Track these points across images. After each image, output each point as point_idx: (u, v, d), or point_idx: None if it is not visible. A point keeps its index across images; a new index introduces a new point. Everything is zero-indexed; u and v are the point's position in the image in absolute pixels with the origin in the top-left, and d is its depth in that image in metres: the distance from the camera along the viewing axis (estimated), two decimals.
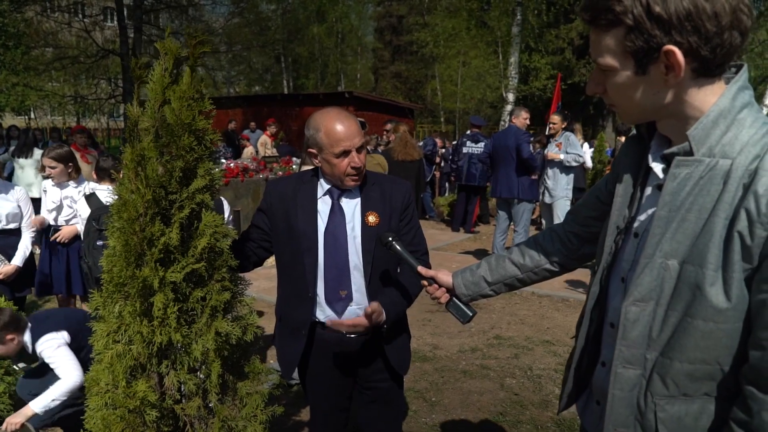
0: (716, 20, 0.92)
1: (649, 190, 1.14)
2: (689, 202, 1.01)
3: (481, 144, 8.46)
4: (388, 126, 8.61)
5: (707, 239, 0.98)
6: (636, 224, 1.15)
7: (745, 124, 0.99)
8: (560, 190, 6.30)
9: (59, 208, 4.11)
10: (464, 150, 8.58)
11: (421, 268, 1.60)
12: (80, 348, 2.81)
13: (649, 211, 1.11)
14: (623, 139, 7.84)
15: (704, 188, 0.99)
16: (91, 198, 3.72)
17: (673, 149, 1.05)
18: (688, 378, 1.05)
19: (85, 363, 2.77)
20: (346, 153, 1.82)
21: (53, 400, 2.62)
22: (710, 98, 1.01)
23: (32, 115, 27.86)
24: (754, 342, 0.97)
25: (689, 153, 1.02)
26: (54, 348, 2.72)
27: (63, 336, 2.79)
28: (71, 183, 4.10)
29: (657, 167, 1.10)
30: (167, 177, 1.46)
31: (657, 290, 1.05)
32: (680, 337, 1.04)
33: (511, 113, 6.62)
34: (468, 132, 8.89)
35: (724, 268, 0.97)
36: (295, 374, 2.13)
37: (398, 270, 2.05)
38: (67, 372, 2.67)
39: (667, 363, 1.06)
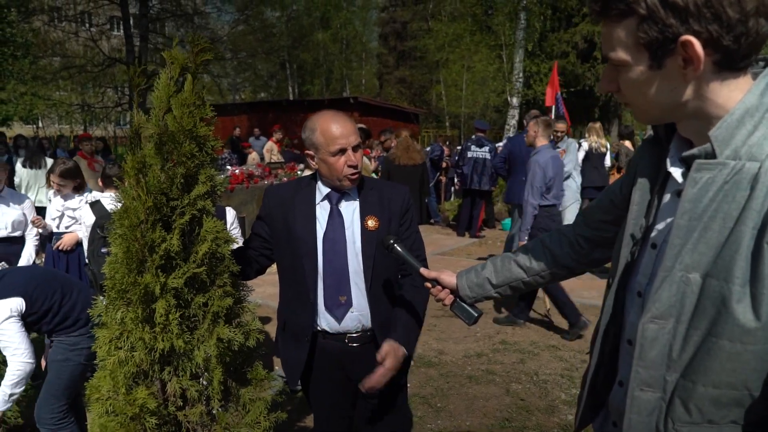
0: (739, 6, 0.83)
1: (667, 197, 1.05)
2: (712, 210, 0.91)
3: (486, 148, 8.44)
4: (383, 137, 8.66)
5: (733, 251, 0.89)
6: (653, 234, 1.06)
7: None
8: (570, 195, 6.26)
9: (61, 217, 4.18)
10: (469, 154, 8.56)
11: (423, 270, 1.59)
12: (47, 309, 2.56)
13: (668, 220, 1.02)
14: (626, 143, 7.77)
15: (729, 194, 0.90)
16: (95, 205, 3.75)
17: (694, 151, 0.96)
18: (713, 404, 0.96)
19: (63, 319, 2.61)
20: (342, 151, 1.84)
21: (10, 395, 2.44)
22: (735, 94, 0.91)
23: (40, 124, 28.14)
24: None
25: (711, 155, 0.92)
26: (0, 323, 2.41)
27: (14, 306, 2.45)
28: (75, 194, 4.17)
29: (676, 172, 1.01)
30: (168, 183, 1.47)
31: (677, 306, 0.96)
32: (704, 359, 0.94)
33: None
34: (473, 137, 8.87)
35: (752, 283, 0.87)
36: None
37: (399, 276, 2.04)
38: (13, 357, 2.43)
39: (689, 386, 0.97)
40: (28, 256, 3.98)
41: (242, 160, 11.26)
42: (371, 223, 1.91)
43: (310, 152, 1.91)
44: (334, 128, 1.83)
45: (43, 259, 4.43)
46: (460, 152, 9.22)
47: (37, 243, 4.08)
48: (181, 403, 1.56)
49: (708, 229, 0.92)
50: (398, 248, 1.69)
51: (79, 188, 4.20)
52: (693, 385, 0.96)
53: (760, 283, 0.86)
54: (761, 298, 0.87)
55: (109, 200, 3.72)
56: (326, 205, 1.94)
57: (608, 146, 7.89)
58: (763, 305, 0.87)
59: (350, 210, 1.94)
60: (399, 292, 1.99)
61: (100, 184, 4.01)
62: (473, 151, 8.54)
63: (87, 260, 3.74)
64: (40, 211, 4.39)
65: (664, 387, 1.00)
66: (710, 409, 0.96)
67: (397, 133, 8.20)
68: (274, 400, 1.78)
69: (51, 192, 4.27)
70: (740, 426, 0.97)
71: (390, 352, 1.83)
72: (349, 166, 1.85)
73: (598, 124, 7.71)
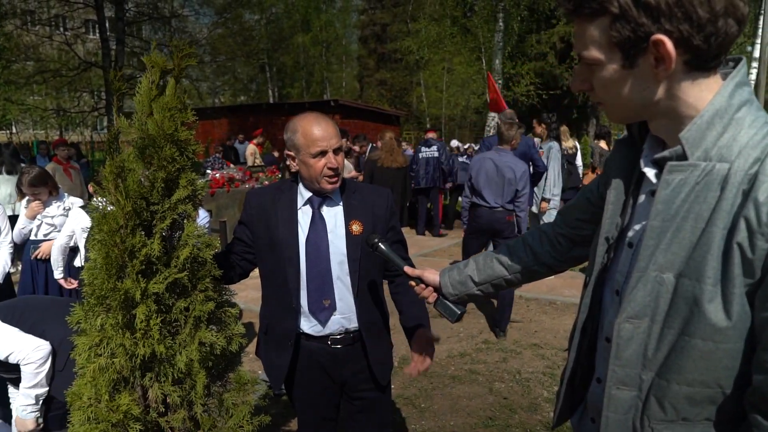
0: (709, 6, 0.85)
1: (642, 198, 1.07)
2: (684, 210, 0.93)
3: (434, 147, 8.88)
4: (357, 145, 8.83)
5: (704, 251, 0.90)
6: (630, 234, 1.08)
7: (743, 124, 0.91)
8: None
9: (39, 224, 4.10)
10: (420, 156, 8.97)
11: (407, 268, 1.60)
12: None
13: (644, 222, 1.04)
14: (602, 143, 7.91)
15: (700, 195, 0.91)
16: (86, 207, 3.73)
17: (665, 153, 0.97)
18: (688, 401, 0.97)
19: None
20: (322, 153, 1.84)
21: (37, 396, 2.26)
22: (705, 95, 0.93)
23: (14, 129, 27.56)
24: (758, 364, 0.89)
25: (683, 157, 0.94)
26: None
27: None
28: (53, 200, 4.10)
29: (650, 172, 1.03)
30: (149, 188, 1.46)
31: (651, 306, 0.97)
32: (677, 358, 0.96)
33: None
34: (423, 140, 9.40)
35: (723, 282, 0.89)
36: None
37: (383, 277, 2.06)
38: (19, 347, 2.21)
39: (664, 385, 0.99)
40: (3, 264, 3.89)
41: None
42: (356, 227, 1.92)
43: (291, 153, 1.91)
44: (315, 130, 1.84)
45: (20, 268, 4.34)
46: (412, 156, 9.44)
47: (11, 250, 3.99)
48: (163, 409, 1.55)
49: (681, 229, 0.93)
50: (383, 247, 1.71)
51: (56, 193, 4.14)
52: (668, 384, 0.98)
53: (731, 283, 0.88)
54: (732, 297, 0.88)
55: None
56: (308, 209, 1.94)
57: (577, 147, 8.06)
58: (734, 304, 0.89)
59: (333, 214, 1.95)
60: (398, 292, 2.05)
61: (90, 190, 3.96)
62: (423, 152, 8.94)
63: (85, 261, 3.71)
64: (14, 220, 4.30)
65: (639, 385, 1.02)
66: (684, 407, 0.98)
67: (380, 135, 8.23)
68: (258, 404, 1.77)
69: (23, 202, 4.20)
70: (713, 423, 0.99)
71: (434, 338, 1.97)
72: (329, 168, 1.85)
73: (564, 127, 7.89)
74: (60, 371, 2.34)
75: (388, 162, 7.87)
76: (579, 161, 8.30)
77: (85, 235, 3.68)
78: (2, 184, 7.62)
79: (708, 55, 0.90)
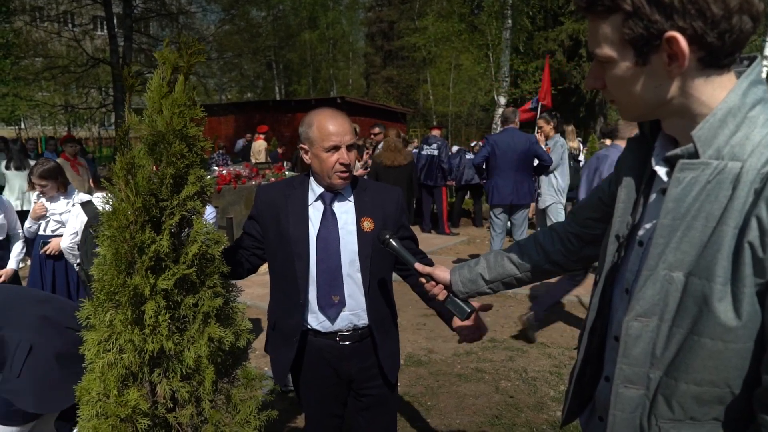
0: (723, 2, 0.84)
1: (653, 196, 1.06)
2: (695, 209, 0.92)
3: (434, 146, 8.93)
4: (377, 129, 8.79)
5: (715, 250, 0.90)
6: (641, 232, 1.08)
7: (757, 123, 0.90)
8: (552, 195, 6.30)
9: (47, 221, 4.14)
10: (422, 153, 8.99)
11: (418, 265, 1.60)
12: None
13: (655, 220, 1.03)
14: (607, 142, 7.87)
15: (711, 193, 0.91)
16: (87, 205, 3.74)
17: (677, 151, 0.97)
18: (696, 401, 0.97)
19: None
20: (336, 148, 1.86)
21: None
22: (719, 93, 0.92)
23: (23, 125, 27.75)
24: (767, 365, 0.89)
25: (694, 155, 0.94)
26: None
27: None
28: (61, 196, 4.12)
29: (661, 170, 1.02)
30: (158, 184, 1.46)
31: (661, 305, 0.97)
32: (686, 357, 0.96)
33: (505, 116, 6.28)
34: (426, 136, 9.38)
35: (733, 282, 0.89)
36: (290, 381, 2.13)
37: (392, 273, 2.06)
38: None
39: (672, 384, 0.98)
40: (19, 252, 3.94)
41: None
42: (367, 224, 1.93)
43: (305, 146, 1.92)
44: (330, 125, 1.85)
45: (29, 263, 4.37)
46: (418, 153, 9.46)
47: (23, 244, 4.04)
48: (171, 405, 1.55)
49: (691, 228, 0.93)
50: (394, 243, 1.71)
51: (64, 189, 4.15)
52: (675, 383, 0.98)
53: (741, 282, 0.88)
54: (742, 297, 0.88)
55: (100, 201, 3.71)
56: (319, 205, 1.95)
57: (581, 147, 8.06)
58: (744, 304, 0.88)
59: (344, 210, 1.95)
60: (417, 284, 1.98)
61: (92, 185, 3.98)
62: (425, 149, 8.96)
63: (80, 260, 3.73)
64: (25, 214, 4.33)
65: (647, 384, 1.02)
66: (692, 407, 0.98)
67: (385, 133, 8.23)
68: (265, 399, 1.78)
69: (34, 195, 4.23)
70: (721, 423, 0.98)
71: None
72: (341, 164, 1.86)
73: (570, 127, 7.87)
74: (17, 377, 1.98)
75: (390, 160, 7.87)
76: (581, 160, 8.30)
77: (80, 230, 3.69)
78: (12, 180, 7.69)
79: (722, 53, 0.89)
